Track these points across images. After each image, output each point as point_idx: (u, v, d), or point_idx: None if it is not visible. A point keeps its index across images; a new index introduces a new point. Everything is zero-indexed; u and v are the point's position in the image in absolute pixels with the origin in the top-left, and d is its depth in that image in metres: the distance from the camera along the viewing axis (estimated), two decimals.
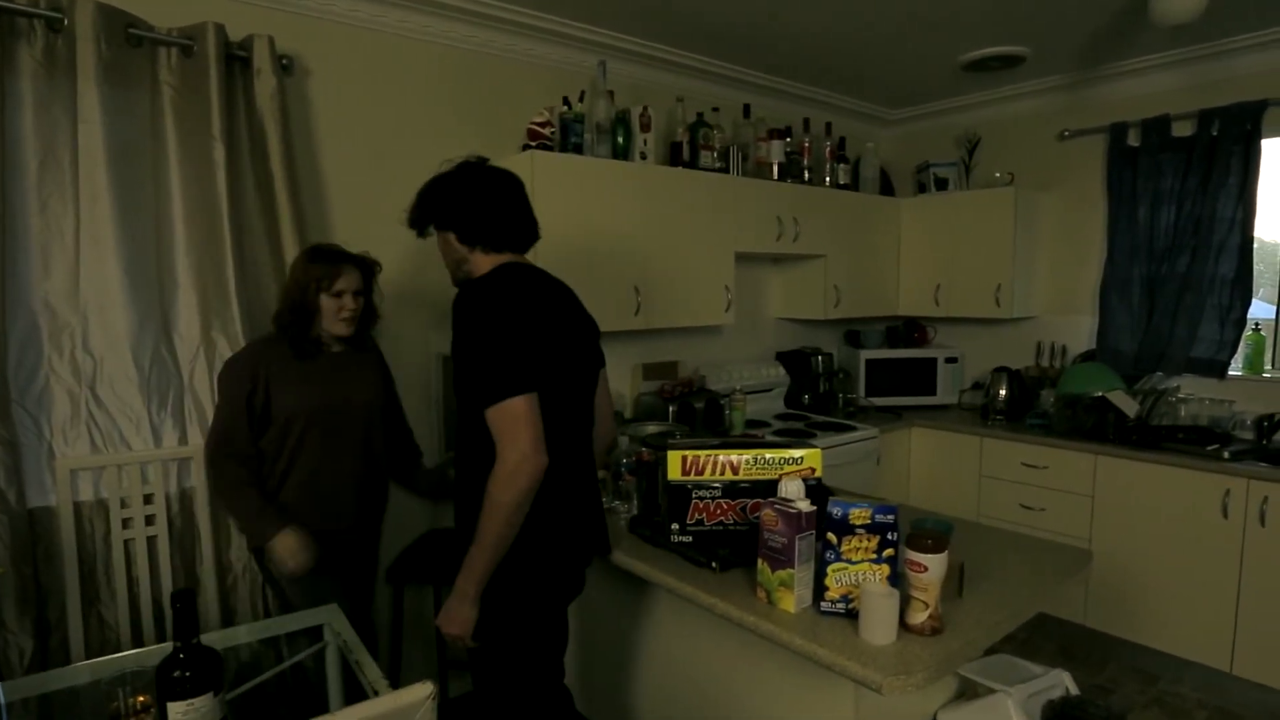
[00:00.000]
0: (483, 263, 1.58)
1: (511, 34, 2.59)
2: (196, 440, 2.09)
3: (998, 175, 3.58)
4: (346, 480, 1.97)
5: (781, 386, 3.54)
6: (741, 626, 1.47)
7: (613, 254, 2.52)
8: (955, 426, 3.47)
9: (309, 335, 1.90)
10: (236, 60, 2.13)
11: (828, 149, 3.47)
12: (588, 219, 2.46)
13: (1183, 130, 3.16)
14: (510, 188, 1.61)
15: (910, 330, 4.00)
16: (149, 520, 2.03)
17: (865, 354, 3.72)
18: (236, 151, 2.15)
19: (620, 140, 2.57)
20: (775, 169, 3.14)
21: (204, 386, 2.10)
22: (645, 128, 2.62)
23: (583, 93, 2.55)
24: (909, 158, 4.06)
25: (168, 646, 1.17)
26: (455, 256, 1.59)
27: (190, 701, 1.10)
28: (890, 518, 1.41)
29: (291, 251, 2.20)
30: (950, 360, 3.74)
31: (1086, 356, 3.46)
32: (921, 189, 3.87)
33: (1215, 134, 3.05)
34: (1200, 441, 2.90)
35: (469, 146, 2.54)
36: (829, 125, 3.54)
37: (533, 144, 2.42)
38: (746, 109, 3.16)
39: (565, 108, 2.50)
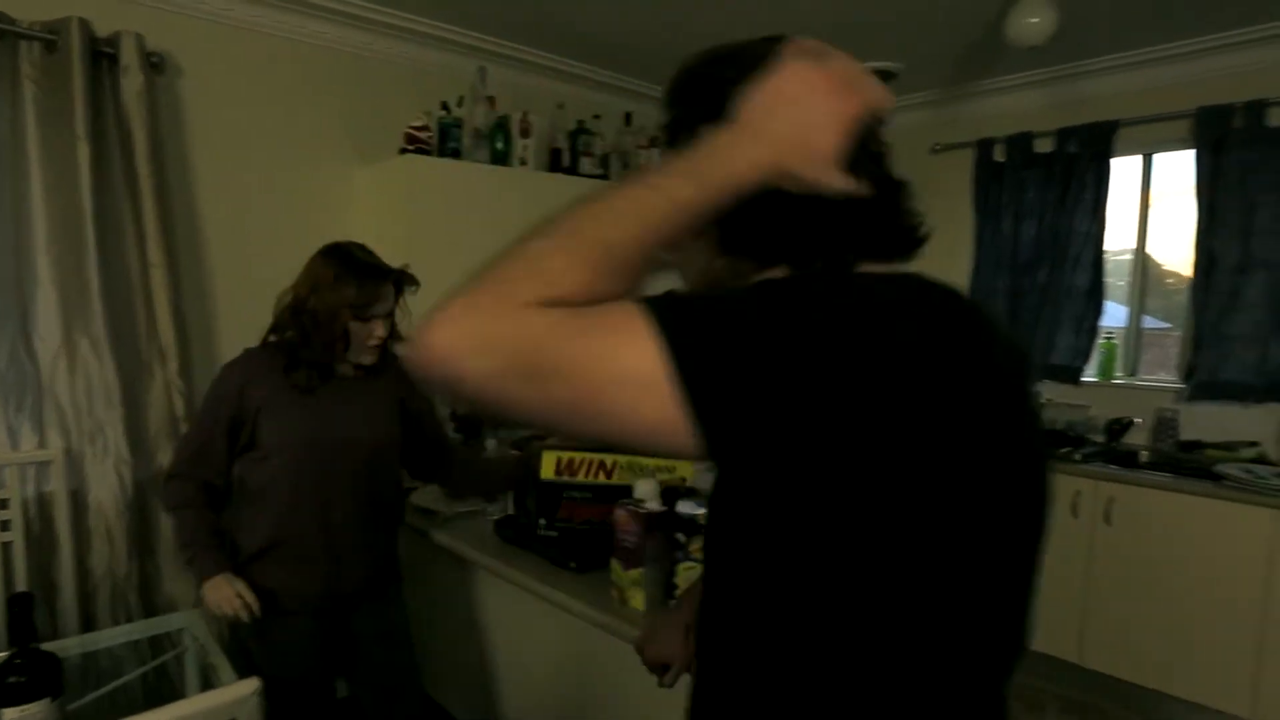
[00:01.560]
0: None
1: (390, 37, 2.67)
2: (56, 444, 2.08)
3: None
4: (339, 535, 1.64)
5: None
6: (595, 625, 1.49)
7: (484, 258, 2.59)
8: None
9: (327, 365, 1.60)
10: (103, 57, 2.14)
11: None
12: (466, 224, 2.52)
13: (1044, 147, 3.32)
14: None
15: None
16: (3, 525, 2.01)
17: None
18: (103, 150, 2.16)
19: (500, 146, 2.66)
20: None
21: (65, 389, 2.10)
22: (525, 134, 2.72)
23: (461, 98, 2.63)
24: None
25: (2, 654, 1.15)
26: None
27: (25, 707, 1.08)
28: None
29: (158, 253, 2.21)
30: None
31: None
32: None
33: (1073, 151, 3.21)
34: (1056, 445, 3.07)
35: (346, 149, 2.61)
36: None
37: (410, 148, 2.48)
38: (628, 117, 3.28)
39: (444, 112, 2.58)
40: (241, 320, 2.29)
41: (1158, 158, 3.22)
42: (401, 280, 1.64)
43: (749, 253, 0.68)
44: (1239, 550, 2.49)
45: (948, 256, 3.73)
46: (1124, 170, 3.26)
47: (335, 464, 1.61)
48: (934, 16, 2.69)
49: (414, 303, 1.68)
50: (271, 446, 1.57)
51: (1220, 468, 2.67)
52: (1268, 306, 2.81)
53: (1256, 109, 2.81)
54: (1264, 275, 2.81)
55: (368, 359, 1.63)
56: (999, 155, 3.49)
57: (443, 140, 2.57)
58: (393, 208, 2.52)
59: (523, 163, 2.73)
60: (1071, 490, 2.86)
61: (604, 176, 3.05)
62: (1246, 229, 2.84)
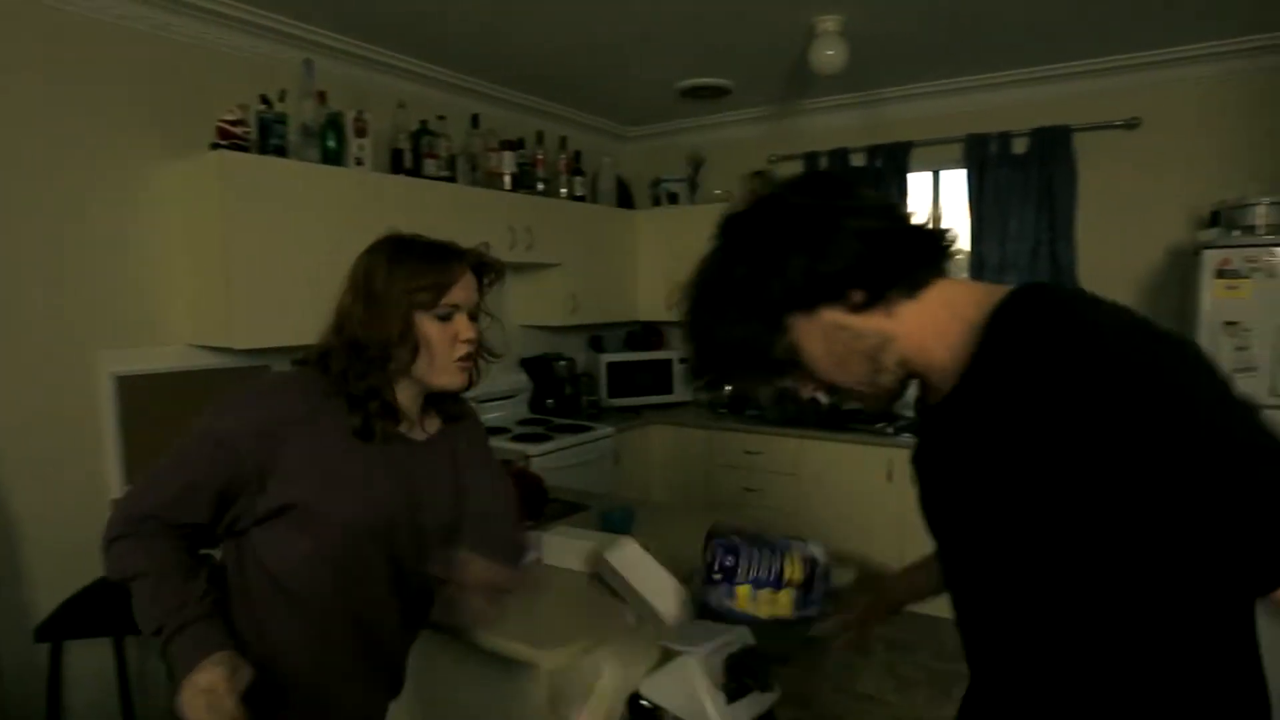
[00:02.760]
0: (920, 322, 0.80)
1: (193, 18, 2.42)
2: None
3: (718, 192, 4.05)
4: (379, 657, 1.26)
5: (525, 392, 3.70)
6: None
7: (325, 265, 2.47)
8: (689, 422, 3.86)
9: (387, 402, 1.14)
10: None
11: (563, 162, 3.70)
12: (295, 227, 2.38)
13: (858, 161, 3.79)
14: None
15: (649, 334, 4.37)
16: None
17: (606, 358, 4.01)
18: None
19: (332, 145, 2.54)
20: (508, 179, 3.30)
21: None
22: (361, 133, 2.63)
23: (284, 91, 2.47)
24: (647, 172, 4.44)
25: None
26: (850, 353, 0.82)
27: None
28: None
29: None
30: (684, 360, 4.15)
31: None
32: (656, 202, 4.25)
33: (880, 166, 3.70)
34: (875, 420, 3.52)
35: (146, 140, 2.36)
36: (564, 139, 3.78)
37: (223, 143, 2.28)
38: (475, 119, 3.26)
39: (264, 106, 2.40)
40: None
41: (944, 174, 3.75)
42: (482, 266, 1.19)
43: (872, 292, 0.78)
44: None
45: None
46: (920, 183, 3.78)
47: (393, 553, 1.16)
48: (757, 42, 2.97)
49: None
50: (310, 521, 1.09)
51: None
52: None
53: (1006, 139, 3.44)
54: (1015, 274, 3.45)
55: (456, 379, 1.15)
56: (823, 167, 3.89)
57: (264, 136, 2.39)
58: (205, 207, 2.30)
59: (359, 163, 2.62)
60: (885, 460, 3.32)
61: (451, 179, 3.01)
62: (1004, 236, 3.47)
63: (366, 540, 1.13)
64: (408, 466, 1.18)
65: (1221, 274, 2.54)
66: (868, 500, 3.35)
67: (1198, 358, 0.66)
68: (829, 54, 2.71)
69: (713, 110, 3.96)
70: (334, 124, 2.57)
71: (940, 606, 3.27)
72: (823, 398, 0.91)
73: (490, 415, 3.38)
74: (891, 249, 0.78)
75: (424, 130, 2.92)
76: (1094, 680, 0.74)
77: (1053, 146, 3.34)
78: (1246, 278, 2.52)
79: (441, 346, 1.12)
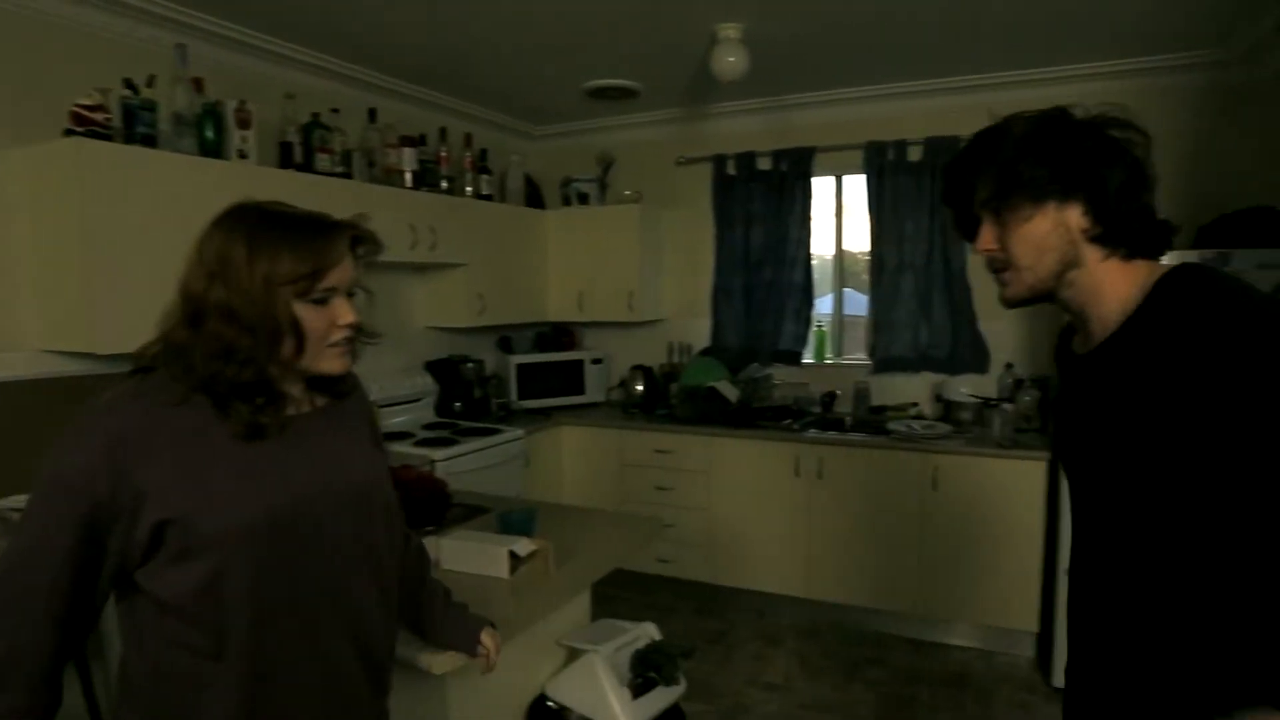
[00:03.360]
0: (1112, 276, 0.97)
1: None
2: None
3: (627, 193, 4.07)
4: (343, 673, 1.06)
5: (431, 395, 3.62)
6: None
7: None
8: (600, 422, 3.87)
9: (272, 391, 1.01)
10: None
11: (468, 159, 3.64)
12: (167, 222, 2.19)
13: (764, 165, 3.89)
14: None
15: (559, 335, 4.35)
16: None
17: (515, 359, 3.97)
18: None
19: (211, 136, 2.41)
20: (409, 177, 3.22)
21: None
22: (245, 124, 2.50)
23: (153, 77, 2.30)
24: (557, 171, 4.41)
25: None
26: (1055, 257, 0.97)
27: None
28: None
29: None
30: (596, 361, 4.15)
31: (705, 353, 4.09)
32: (566, 202, 4.24)
33: (784, 170, 3.82)
34: (782, 417, 3.61)
35: None
36: (469, 136, 3.72)
37: (79, 130, 2.10)
38: (372, 113, 3.17)
39: (128, 91, 2.23)
40: None
41: (846, 179, 3.90)
42: (360, 238, 1.05)
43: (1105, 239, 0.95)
44: (906, 484, 3.22)
45: (696, 257, 4.15)
46: (823, 187, 3.92)
47: (312, 553, 1.00)
48: (662, 47, 3.01)
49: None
50: (200, 536, 0.93)
51: (891, 425, 3.41)
52: (916, 298, 3.65)
53: (902, 147, 3.61)
54: (912, 274, 3.64)
55: (335, 364, 1.03)
56: (731, 170, 3.99)
57: (129, 124, 2.21)
58: (59, 199, 2.13)
59: (243, 156, 2.50)
60: (792, 454, 3.37)
61: (346, 175, 2.91)
62: (900, 238, 3.64)
63: (293, 530, 0.98)
64: (311, 438, 1.04)
65: None
66: (776, 495, 3.44)
67: None
68: (730, 60, 2.78)
69: (621, 111, 3.98)
70: (212, 114, 2.43)
71: (848, 594, 3.43)
72: (990, 261, 1.03)
73: (394, 420, 3.29)
74: (1143, 224, 0.97)
75: (316, 123, 2.82)
76: (1197, 595, 0.90)
77: (944, 155, 3.51)
78: None
79: (318, 334, 0.99)
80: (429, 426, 3.46)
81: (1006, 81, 3.37)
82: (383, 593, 1.11)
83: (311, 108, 2.86)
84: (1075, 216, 0.95)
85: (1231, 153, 3.11)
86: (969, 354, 3.55)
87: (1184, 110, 3.16)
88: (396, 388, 3.40)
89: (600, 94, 3.62)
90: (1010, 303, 1.04)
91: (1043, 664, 2.99)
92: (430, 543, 1.73)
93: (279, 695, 0.98)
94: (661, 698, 1.91)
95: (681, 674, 1.98)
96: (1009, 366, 3.50)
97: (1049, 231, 0.96)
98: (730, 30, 2.74)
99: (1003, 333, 3.53)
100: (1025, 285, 1.00)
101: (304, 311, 0.98)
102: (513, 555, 1.65)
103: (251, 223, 0.98)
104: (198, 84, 2.43)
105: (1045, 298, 1.02)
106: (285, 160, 2.73)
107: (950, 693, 2.87)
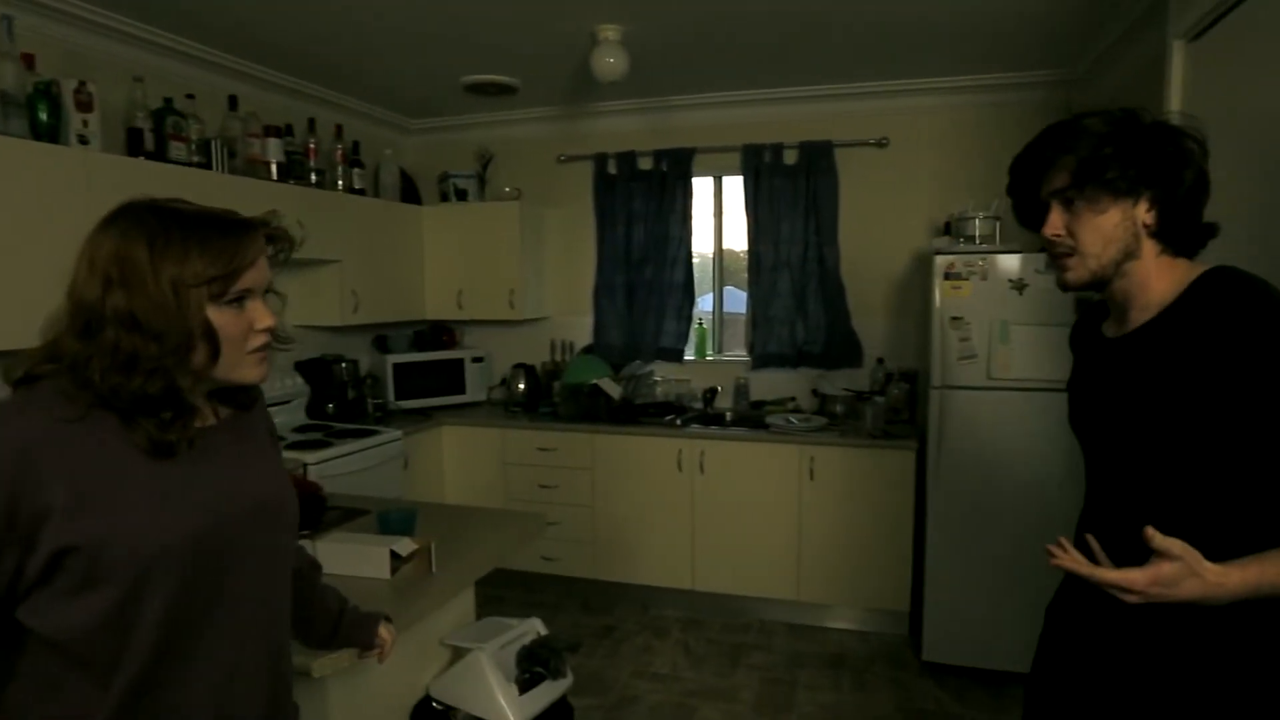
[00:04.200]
0: (1160, 270, 1.11)
1: None
2: None
3: (507, 190, 4.08)
4: (258, 676, 1.03)
5: (301, 397, 3.49)
6: None
7: (40, 257, 2.17)
8: (481, 422, 3.86)
9: (181, 404, 0.93)
10: None
11: (338, 152, 3.54)
12: None
13: (645, 165, 4.01)
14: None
15: (438, 333, 4.30)
16: None
17: (392, 358, 3.89)
18: None
19: (45, 118, 2.24)
20: (274, 168, 3.09)
21: None
22: (86, 107, 2.34)
23: None
24: (433, 166, 4.35)
25: None
26: (1120, 247, 1.10)
27: None
28: None
29: None
30: (477, 360, 4.13)
31: (587, 350, 4.16)
32: (444, 198, 4.19)
33: (665, 170, 3.95)
34: (664, 413, 3.74)
35: None
36: (339, 127, 3.61)
37: None
38: (233, 100, 3.03)
39: None
40: None
41: (725, 179, 4.08)
42: (273, 236, 1.02)
43: (1161, 235, 1.09)
44: (784, 476, 3.41)
45: (577, 255, 4.21)
46: (703, 187, 4.08)
47: (229, 573, 0.97)
48: (542, 45, 3.06)
49: None
50: (110, 565, 0.86)
51: (770, 419, 3.60)
52: (791, 296, 3.87)
53: (779, 149, 3.82)
54: (789, 273, 3.86)
55: (253, 372, 0.99)
56: (612, 169, 4.08)
57: None
58: None
59: (84, 141, 2.33)
60: (675, 450, 3.50)
61: (205, 165, 2.77)
62: (777, 238, 3.86)
63: (204, 553, 0.93)
64: (218, 460, 0.99)
65: (948, 276, 2.98)
66: (660, 489, 3.56)
67: None
68: (610, 61, 2.86)
69: (501, 107, 3.99)
70: (46, 94, 2.26)
71: (731, 584, 3.60)
72: (1054, 246, 1.14)
73: None
74: (1195, 224, 1.10)
75: (169, 109, 2.67)
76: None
77: (818, 159, 3.76)
78: (967, 279, 2.97)
79: (235, 339, 0.94)
80: (300, 429, 3.34)
81: (877, 91, 3.65)
82: (289, 605, 1.10)
83: (163, 92, 2.71)
84: (1143, 212, 1.08)
85: None
86: (843, 350, 3.81)
87: (1035, 122, 3.48)
88: (267, 389, 3.25)
89: (478, 89, 3.62)
90: (1071, 286, 1.15)
91: (914, 641, 3.25)
92: (306, 546, 1.70)
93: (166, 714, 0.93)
94: (549, 692, 1.95)
95: (569, 667, 2.04)
96: (880, 361, 3.78)
97: (1118, 223, 1.08)
98: (610, 32, 2.83)
99: (874, 329, 3.81)
100: (1089, 270, 1.11)
101: (218, 316, 0.92)
102: (394, 555, 1.65)
103: (151, 223, 0.91)
104: (28, 60, 2.25)
105: (1100, 285, 1.14)
106: (134, 148, 2.57)
107: (829, 673, 3.07)
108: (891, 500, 3.28)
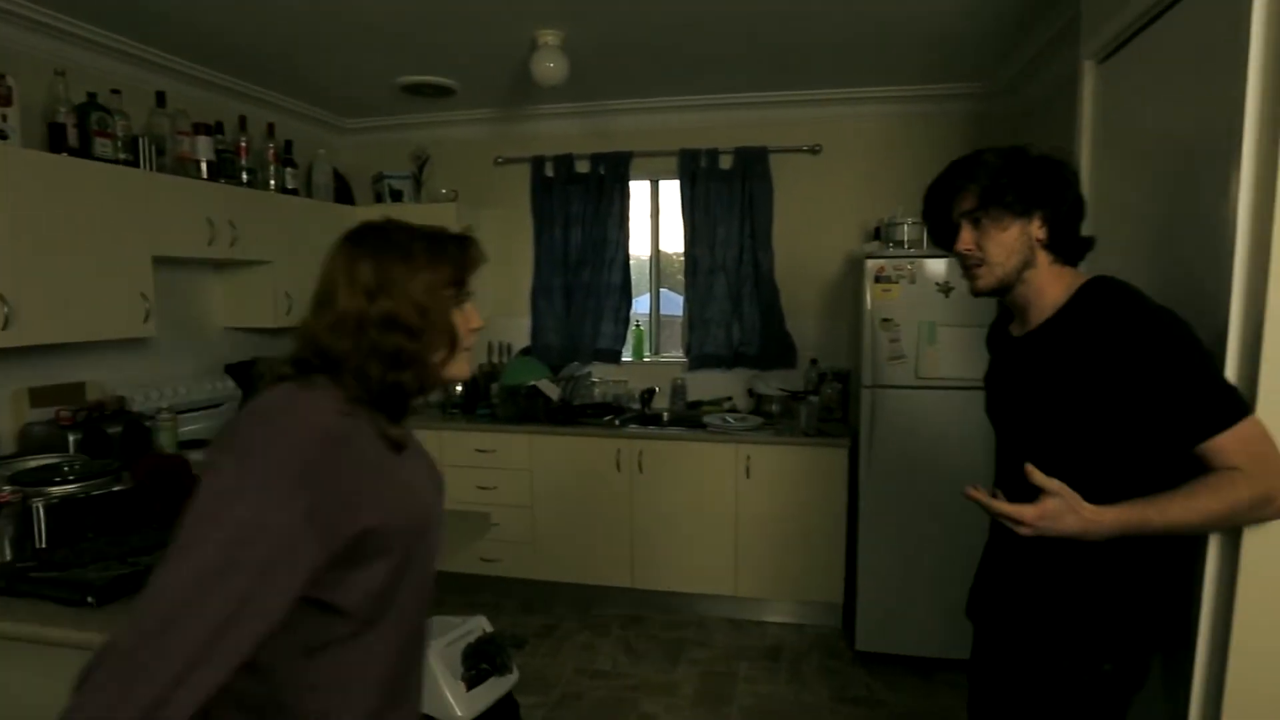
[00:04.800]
0: (1052, 277, 1.33)
1: None
2: None
3: (444, 191, 4.09)
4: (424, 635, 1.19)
5: (233, 400, 3.43)
6: None
7: None
8: (419, 423, 3.84)
9: (421, 397, 1.09)
10: None
11: (270, 151, 3.49)
12: None
13: (582, 168, 4.10)
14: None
15: None
16: None
17: None
18: None
19: None
20: (204, 167, 3.04)
21: None
22: (4, 100, 2.26)
23: None
24: (368, 167, 4.32)
25: None
26: (1020, 258, 1.31)
27: None
28: None
29: None
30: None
31: (525, 352, 4.21)
32: (379, 199, 4.17)
33: (602, 173, 4.04)
34: (603, 414, 3.82)
35: None
36: (271, 126, 3.56)
37: None
38: (161, 96, 2.98)
39: None
40: None
41: (662, 183, 4.19)
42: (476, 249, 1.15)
43: (1051, 246, 1.31)
44: (722, 474, 3.54)
45: (514, 257, 4.25)
46: (640, 191, 4.18)
47: (432, 553, 1.13)
48: (482, 48, 3.11)
49: None
50: (389, 541, 0.97)
51: (707, 419, 3.73)
52: (727, 299, 4.01)
53: (714, 155, 3.96)
54: (724, 276, 4.00)
55: (464, 369, 1.12)
56: (549, 171, 4.14)
57: None
58: None
59: (3, 137, 2.27)
60: (613, 450, 3.57)
61: (132, 163, 2.71)
62: (713, 241, 3.99)
63: (428, 536, 1.08)
64: (415, 455, 1.12)
65: (878, 279, 3.13)
66: (599, 489, 3.64)
67: (1188, 326, 1.20)
68: (549, 66, 2.92)
69: (438, 108, 4.00)
70: None
71: (671, 581, 3.70)
72: (966, 259, 1.35)
73: (189, 428, 3.09)
74: (1077, 236, 1.33)
75: (93, 104, 2.60)
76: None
77: (753, 164, 3.90)
78: (896, 282, 3.13)
79: (465, 338, 1.08)
80: None
81: (811, 99, 3.82)
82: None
83: (87, 87, 2.64)
84: (1036, 228, 1.30)
85: None
86: (777, 351, 3.96)
87: (961, 131, 3.73)
88: (193, 392, 3.20)
89: (416, 90, 3.63)
90: (981, 292, 1.35)
91: (847, 631, 3.42)
92: None
93: (411, 659, 1.09)
94: (496, 687, 2.01)
95: (514, 663, 2.09)
96: (814, 362, 3.95)
97: (1018, 237, 1.29)
98: (550, 37, 2.89)
99: (808, 331, 3.98)
100: (995, 278, 1.32)
101: (459, 322, 1.07)
102: None
103: (398, 239, 1.04)
104: None
105: (1005, 291, 1.35)
106: (56, 144, 2.50)
107: (766, 665, 3.21)
108: (826, 496, 3.43)
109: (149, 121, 2.92)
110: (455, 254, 1.06)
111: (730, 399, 4.03)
